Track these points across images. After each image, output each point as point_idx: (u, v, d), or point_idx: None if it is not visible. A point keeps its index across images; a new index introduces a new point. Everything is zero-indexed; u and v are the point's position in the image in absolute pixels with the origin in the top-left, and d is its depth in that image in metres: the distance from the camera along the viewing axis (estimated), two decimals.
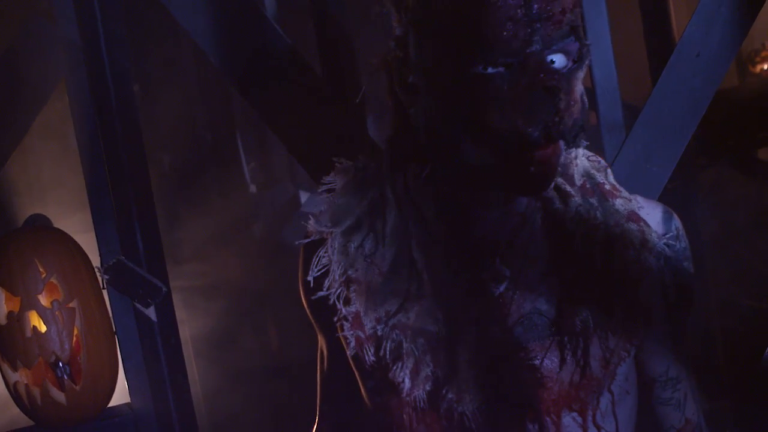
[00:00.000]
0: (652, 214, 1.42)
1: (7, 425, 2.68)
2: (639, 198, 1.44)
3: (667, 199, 1.91)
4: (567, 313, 1.32)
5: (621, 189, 1.42)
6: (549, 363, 1.32)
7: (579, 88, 1.27)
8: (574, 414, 1.33)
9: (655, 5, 2.68)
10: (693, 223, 2.61)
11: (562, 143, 1.27)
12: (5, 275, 2.28)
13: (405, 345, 1.32)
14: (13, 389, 2.32)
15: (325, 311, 1.41)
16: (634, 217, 1.38)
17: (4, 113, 2.39)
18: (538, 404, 1.31)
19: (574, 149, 1.41)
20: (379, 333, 1.33)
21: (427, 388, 1.32)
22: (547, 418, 1.32)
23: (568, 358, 1.31)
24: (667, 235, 1.41)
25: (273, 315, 3.55)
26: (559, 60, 1.24)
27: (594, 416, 1.34)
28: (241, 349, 3.49)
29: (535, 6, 1.20)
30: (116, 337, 2.37)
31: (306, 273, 1.43)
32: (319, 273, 1.40)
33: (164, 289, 2.35)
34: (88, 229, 2.40)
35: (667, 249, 1.39)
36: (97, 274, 2.35)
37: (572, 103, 1.24)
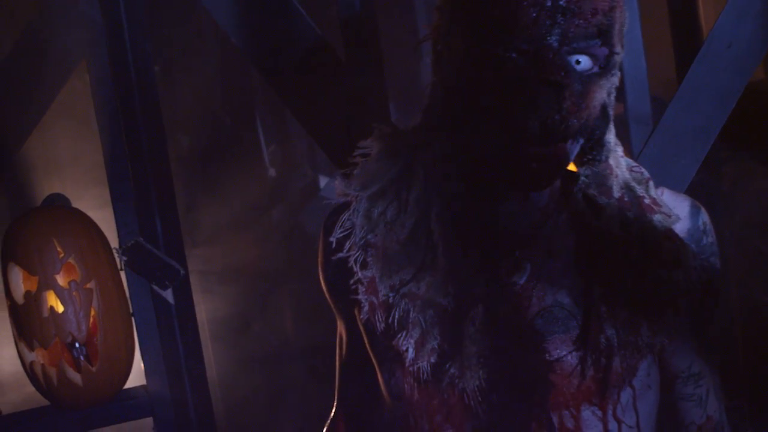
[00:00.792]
0: (678, 208, 1.40)
1: (22, 404, 2.69)
2: (666, 191, 1.42)
3: (692, 193, 1.89)
4: (589, 309, 1.31)
5: (662, 203, 1.39)
6: (569, 357, 1.30)
7: (600, 96, 1.25)
8: (594, 408, 1.31)
9: None
10: (716, 217, 2.58)
11: (573, 146, 1.25)
12: (23, 254, 2.28)
13: (412, 315, 1.32)
14: (29, 369, 2.32)
15: (342, 287, 1.41)
16: (671, 234, 1.36)
17: (25, 92, 2.38)
18: (553, 397, 1.30)
19: (614, 159, 1.38)
20: (390, 300, 1.34)
21: (432, 360, 1.31)
22: (566, 411, 1.31)
23: (589, 352, 1.30)
24: (694, 230, 1.39)
25: (290, 299, 3.54)
26: (584, 62, 1.22)
27: (614, 410, 1.32)
28: (257, 333, 3.49)
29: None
30: (133, 318, 2.37)
31: (327, 239, 1.43)
32: (342, 235, 1.40)
33: (182, 271, 2.34)
34: (106, 208, 2.40)
35: (693, 245, 1.37)
36: (115, 255, 2.35)
37: (584, 107, 1.22)
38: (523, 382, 1.31)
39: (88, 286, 2.28)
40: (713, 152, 2.47)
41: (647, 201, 1.38)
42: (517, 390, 1.32)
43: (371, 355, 1.41)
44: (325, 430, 1.56)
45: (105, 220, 2.41)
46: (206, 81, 3.55)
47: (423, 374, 1.32)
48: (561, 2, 1.18)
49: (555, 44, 1.20)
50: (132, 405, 2.39)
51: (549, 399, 1.30)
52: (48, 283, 2.26)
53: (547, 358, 1.30)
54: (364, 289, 1.36)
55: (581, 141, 1.27)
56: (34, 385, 2.36)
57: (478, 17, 1.22)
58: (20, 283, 2.28)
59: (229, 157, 3.57)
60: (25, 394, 2.72)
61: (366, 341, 1.41)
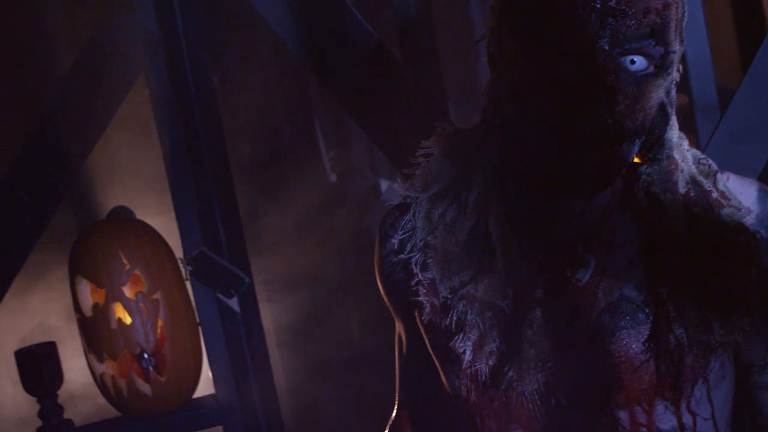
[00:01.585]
0: (746, 193, 1.35)
1: (94, 415, 2.72)
2: (732, 176, 1.38)
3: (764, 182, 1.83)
4: (657, 307, 1.27)
5: (731, 196, 1.34)
6: (639, 353, 1.27)
7: (657, 95, 1.22)
8: (667, 402, 1.28)
9: None
10: None
11: (631, 148, 1.22)
12: (90, 267, 2.30)
13: (470, 317, 1.30)
14: (99, 380, 2.35)
15: (402, 289, 1.40)
16: (741, 228, 1.31)
17: (87, 106, 2.41)
18: (624, 393, 1.27)
19: (679, 153, 1.34)
20: (449, 302, 1.33)
21: (491, 363, 1.29)
22: (638, 407, 1.27)
23: (660, 351, 1.26)
24: (764, 215, 1.34)
25: (356, 304, 3.53)
26: (639, 62, 1.19)
27: (688, 404, 1.29)
28: (324, 339, 3.49)
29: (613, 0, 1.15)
30: (200, 328, 2.38)
31: (384, 241, 1.43)
32: (403, 236, 1.39)
33: (247, 279, 2.35)
34: (170, 219, 2.41)
35: (763, 230, 1.33)
36: (180, 265, 2.36)
37: (638, 108, 1.19)
38: (590, 381, 1.28)
39: (155, 296, 2.30)
40: None
41: (715, 195, 1.34)
42: (584, 389, 1.29)
43: (433, 356, 1.39)
44: (387, 430, 1.55)
45: (169, 230, 2.43)
46: (265, 89, 3.56)
47: (481, 376, 1.30)
48: (611, 3, 1.15)
49: (606, 47, 1.16)
50: (201, 414, 2.40)
51: (619, 396, 1.27)
52: (115, 295, 2.28)
53: (616, 355, 1.27)
54: (424, 291, 1.35)
55: (639, 141, 1.24)
56: (104, 397, 2.39)
57: (528, 19, 1.20)
58: (88, 295, 2.31)
59: (289, 164, 3.58)
60: (96, 406, 2.75)
61: (427, 342, 1.40)
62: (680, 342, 1.26)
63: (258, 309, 2.39)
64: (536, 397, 1.29)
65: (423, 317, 1.35)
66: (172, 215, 2.37)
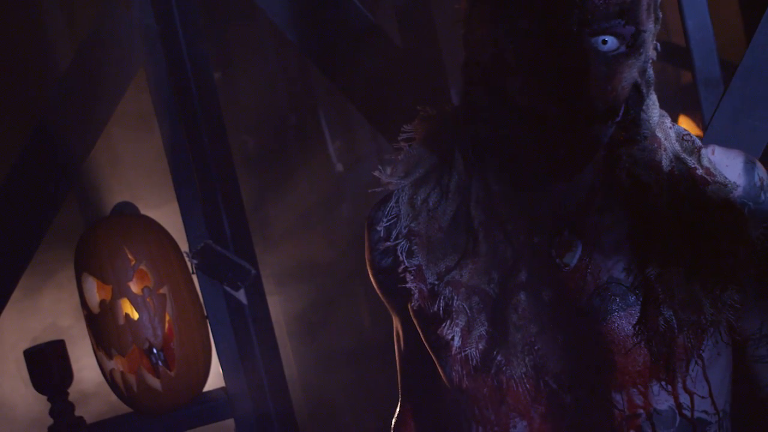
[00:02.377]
0: (731, 165, 1.33)
1: (106, 412, 2.72)
2: (717, 149, 1.35)
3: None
4: (648, 282, 1.25)
5: (716, 172, 1.32)
6: (630, 335, 1.25)
7: (629, 75, 1.20)
8: (663, 383, 1.26)
9: None
10: None
11: (604, 129, 1.20)
12: (96, 264, 2.30)
13: (456, 302, 1.29)
14: (109, 377, 2.34)
15: (393, 280, 1.39)
16: (728, 204, 1.29)
17: (87, 103, 2.40)
18: (618, 376, 1.25)
19: (661, 131, 1.32)
20: (436, 288, 1.31)
21: (481, 347, 1.28)
22: (633, 389, 1.26)
23: (651, 333, 1.24)
24: (750, 187, 1.31)
25: (365, 294, 3.53)
26: (611, 42, 1.17)
27: (684, 383, 1.27)
28: (335, 330, 3.49)
29: None
30: (208, 321, 2.37)
31: (372, 232, 1.42)
32: (388, 224, 1.38)
33: (253, 271, 2.34)
34: (175, 213, 2.41)
35: (750, 203, 1.30)
36: (186, 259, 2.35)
37: (610, 89, 1.17)
38: (584, 364, 1.27)
39: (161, 291, 2.29)
40: None
41: (700, 172, 1.31)
42: (578, 372, 1.27)
43: (426, 345, 1.38)
44: (393, 424, 1.54)
45: (175, 224, 2.42)
46: (268, 81, 3.55)
47: (472, 361, 1.28)
48: None
49: (574, 27, 1.15)
50: (212, 407, 2.39)
51: (613, 379, 1.26)
52: (122, 291, 2.27)
53: (608, 337, 1.25)
54: (412, 278, 1.33)
55: (612, 123, 1.22)
56: (115, 393, 2.38)
57: (496, 1, 1.18)
58: (95, 292, 2.30)
59: (295, 155, 3.57)
60: (109, 403, 2.75)
61: (420, 332, 1.38)
62: (669, 324, 1.23)
63: (266, 300, 2.38)
64: (525, 380, 1.27)
65: (412, 304, 1.34)
66: (177, 208, 2.36)
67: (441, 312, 1.30)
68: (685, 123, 3.28)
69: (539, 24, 1.15)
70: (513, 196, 1.31)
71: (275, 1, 2.12)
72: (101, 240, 2.31)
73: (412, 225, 1.35)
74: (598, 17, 1.15)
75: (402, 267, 1.35)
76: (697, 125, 3.13)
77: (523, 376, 1.27)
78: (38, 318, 3.08)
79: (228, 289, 2.34)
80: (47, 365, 2.35)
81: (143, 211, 2.46)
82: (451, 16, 1.34)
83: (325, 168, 3.58)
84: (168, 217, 2.55)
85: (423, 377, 1.47)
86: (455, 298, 1.29)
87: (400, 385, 1.54)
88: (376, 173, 1.40)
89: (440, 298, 1.30)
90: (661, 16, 1.25)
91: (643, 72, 1.24)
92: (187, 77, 2.29)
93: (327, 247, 3.45)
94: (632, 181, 1.30)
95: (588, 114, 1.16)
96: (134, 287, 2.28)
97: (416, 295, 1.33)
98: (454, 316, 1.29)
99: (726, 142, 1.38)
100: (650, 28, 1.22)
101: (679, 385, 1.26)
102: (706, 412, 1.29)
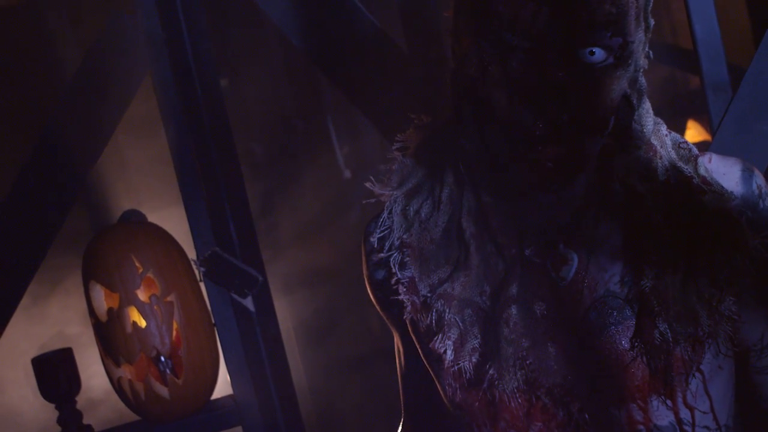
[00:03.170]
0: (729, 174, 1.30)
1: (115, 421, 2.71)
2: (715, 157, 1.32)
3: None
4: (643, 295, 1.23)
5: (713, 181, 1.29)
6: (628, 350, 1.23)
7: (618, 87, 1.18)
8: (663, 398, 1.24)
9: None
10: None
11: (593, 141, 1.18)
12: (103, 272, 2.29)
13: (448, 315, 1.27)
14: (117, 385, 2.34)
15: (390, 293, 1.37)
16: (725, 214, 1.26)
17: (94, 111, 2.40)
18: (617, 391, 1.23)
19: (657, 139, 1.30)
20: (428, 301, 1.30)
21: (474, 360, 1.26)
22: (633, 405, 1.23)
23: (647, 347, 1.22)
24: (749, 195, 1.29)
25: (372, 299, 3.52)
26: (598, 54, 1.14)
27: (684, 398, 1.24)
28: (344, 336, 3.48)
29: None
30: (215, 329, 2.37)
31: (367, 247, 1.40)
32: (381, 235, 1.37)
33: (260, 278, 2.33)
34: (182, 220, 2.40)
35: (748, 211, 1.28)
36: (193, 266, 2.35)
37: (597, 102, 1.15)
38: (581, 380, 1.25)
39: (169, 299, 2.28)
40: None
41: (696, 181, 1.28)
42: (575, 388, 1.25)
43: (423, 359, 1.36)
44: None
45: (182, 230, 2.42)
46: (275, 87, 3.55)
47: (465, 374, 1.27)
48: None
49: (558, 40, 1.13)
50: (220, 415, 2.38)
51: (613, 394, 1.23)
52: (129, 299, 2.27)
53: (606, 352, 1.23)
54: (404, 290, 1.32)
55: (602, 136, 1.20)
56: (122, 401, 2.38)
57: (480, 13, 1.16)
58: (102, 300, 2.30)
59: (303, 161, 3.57)
60: (118, 411, 2.75)
61: (417, 346, 1.37)
62: (665, 337, 1.21)
63: (273, 307, 2.38)
64: (517, 395, 1.25)
65: (404, 316, 1.32)
66: (184, 214, 2.36)
67: (434, 325, 1.28)
68: (694, 128, 3.27)
69: (524, 36, 1.13)
70: (504, 207, 1.29)
71: (281, 7, 2.12)
72: (108, 248, 2.31)
73: (405, 236, 1.33)
74: (584, 29, 1.13)
75: (395, 279, 1.33)
76: (706, 130, 3.11)
77: (515, 390, 1.25)
78: (46, 325, 3.08)
79: (235, 296, 2.33)
80: (55, 373, 2.36)
81: (150, 217, 2.46)
82: None
83: (333, 174, 3.57)
84: (175, 222, 2.55)
85: (424, 394, 1.45)
86: (447, 310, 1.27)
87: (402, 402, 1.52)
88: (368, 185, 1.38)
89: (432, 311, 1.28)
90: (652, 23, 1.23)
91: (633, 82, 1.22)
92: (194, 84, 2.28)
93: (335, 253, 3.44)
94: (626, 191, 1.28)
95: (573, 128, 1.14)
96: (142, 295, 2.28)
97: (409, 308, 1.31)
98: (446, 329, 1.27)
99: (734, 147, 1.37)
100: (640, 37, 1.20)
101: (680, 400, 1.24)
102: (707, 427, 1.26)
